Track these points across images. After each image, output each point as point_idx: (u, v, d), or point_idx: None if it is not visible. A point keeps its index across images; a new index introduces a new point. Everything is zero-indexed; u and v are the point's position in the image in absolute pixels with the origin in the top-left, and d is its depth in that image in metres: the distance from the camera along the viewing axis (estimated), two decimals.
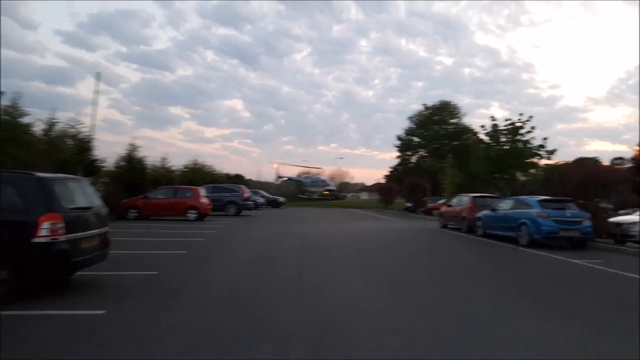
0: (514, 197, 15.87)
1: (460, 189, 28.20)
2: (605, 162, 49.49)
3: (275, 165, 77.40)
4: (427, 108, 64.82)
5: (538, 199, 14.16)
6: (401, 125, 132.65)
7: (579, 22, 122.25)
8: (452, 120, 64.27)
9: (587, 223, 13.35)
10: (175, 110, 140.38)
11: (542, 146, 20.76)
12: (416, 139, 64.45)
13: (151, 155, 28.34)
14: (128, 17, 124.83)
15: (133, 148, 24.06)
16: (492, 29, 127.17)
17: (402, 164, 64.74)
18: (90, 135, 19.50)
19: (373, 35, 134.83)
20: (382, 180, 69.94)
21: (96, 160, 19.66)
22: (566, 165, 26.23)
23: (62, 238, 6.02)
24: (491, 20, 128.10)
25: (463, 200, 19.08)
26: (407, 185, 34.70)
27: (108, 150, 21.05)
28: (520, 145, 20.68)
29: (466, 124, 63.48)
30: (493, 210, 15.72)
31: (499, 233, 15.04)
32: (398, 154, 64.95)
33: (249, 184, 64.69)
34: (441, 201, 33.53)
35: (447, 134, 62.81)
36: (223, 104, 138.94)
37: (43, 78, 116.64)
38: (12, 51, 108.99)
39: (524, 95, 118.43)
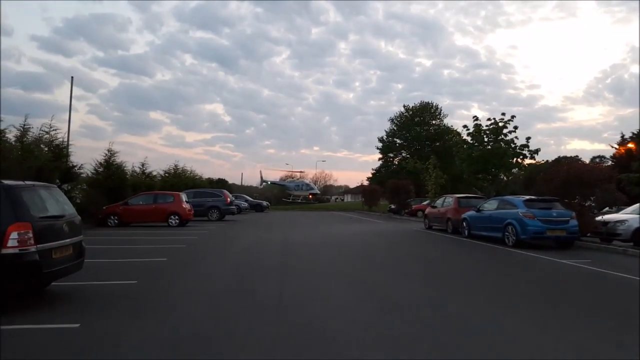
0: (499, 197, 15.88)
1: (444, 190, 28.27)
2: (586, 160, 50.59)
3: (259, 170, 76.91)
4: (408, 110, 65.32)
5: (523, 198, 14.16)
6: (382, 127, 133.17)
7: (555, 23, 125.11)
8: (433, 122, 64.90)
9: (574, 222, 13.37)
10: (155, 115, 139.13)
11: (525, 146, 20.86)
12: (398, 141, 64.88)
13: (132, 161, 27.73)
14: (104, 21, 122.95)
15: (111, 154, 23.43)
16: (470, 30, 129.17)
17: (385, 166, 65.08)
18: (65, 141, 18.86)
19: (352, 37, 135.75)
20: (365, 183, 70.42)
21: (73, 166, 19.02)
22: (549, 164, 26.57)
23: (32, 249, 5.66)
24: (469, 22, 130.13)
25: (447, 201, 19.04)
26: (391, 187, 34.69)
27: (88, 156, 20.60)
28: (503, 145, 20.74)
29: (447, 125, 64.50)
30: (478, 210, 15.67)
31: (485, 234, 15.00)
32: (380, 155, 65.33)
33: (232, 188, 64.08)
34: (425, 202, 33.63)
35: (429, 135, 63.35)
36: (203, 108, 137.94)
37: (20, 84, 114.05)
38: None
39: (503, 95, 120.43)
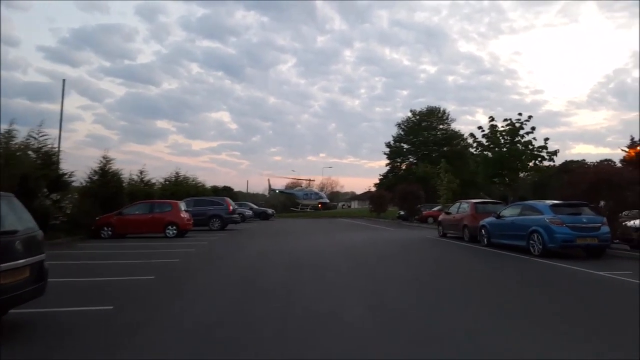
0: (521, 202, 14.58)
1: (456, 196, 26.97)
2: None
3: (267, 179, 75.93)
4: (415, 114, 64.18)
5: (549, 203, 12.89)
6: (388, 133, 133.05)
7: (558, 29, 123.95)
8: (440, 126, 63.68)
9: (605, 229, 12.10)
10: (161, 123, 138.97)
11: (543, 147, 19.54)
12: (405, 146, 63.65)
13: (136, 170, 26.74)
14: (111, 31, 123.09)
15: (107, 161, 22.39)
16: (474, 36, 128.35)
17: (392, 171, 63.83)
18: (55, 148, 17.84)
19: (357, 45, 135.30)
20: (373, 189, 69.07)
21: (64, 174, 17.98)
22: (556, 169, 25.12)
23: None
24: (472, 29, 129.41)
25: (463, 207, 17.77)
26: (400, 193, 33.36)
27: (94, 165, 20.19)
28: (520, 147, 19.45)
29: (455, 130, 63.23)
30: (498, 217, 14.41)
31: (507, 242, 13.73)
32: (387, 161, 64.15)
33: (238, 196, 63.00)
34: (436, 208, 32.33)
35: (437, 139, 62.10)
36: (209, 117, 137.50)
37: (26, 95, 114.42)
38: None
39: (507, 101, 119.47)
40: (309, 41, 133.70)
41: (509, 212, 14.12)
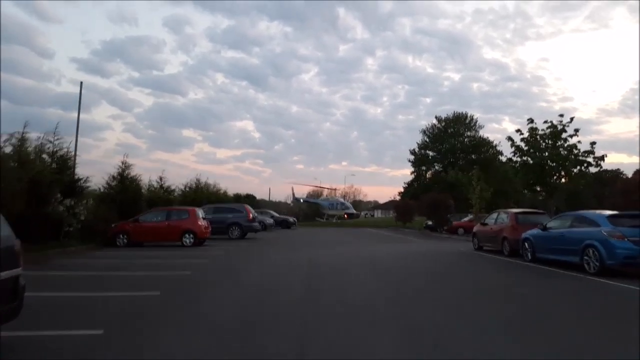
0: (572, 213, 13.03)
1: (489, 205, 25.32)
2: (628, 174, 46.50)
3: (292, 187, 75.13)
4: (440, 120, 62.37)
5: (606, 214, 11.35)
6: (411, 141, 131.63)
7: (586, 34, 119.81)
8: (468, 133, 61.67)
9: None
10: (187, 132, 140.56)
11: (590, 152, 17.79)
12: (431, 153, 61.89)
13: (165, 178, 26.21)
14: (139, 43, 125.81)
15: (125, 166, 21.79)
16: (499, 43, 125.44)
17: (417, 180, 62.04)
18: (71, 152, 17.23)
19: (379, 53, 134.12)
20: (396, 197, 67.32)
21: (79, 179, 17.36)
22: (591, 178, 23.05)
23: None
24: (497, 35, 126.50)
25: (502, 218, 16.25)
26: (429, 202, 31.79)
27: (112, 171, 20.22)
28: (562, 151, 17.79)
29: (483, 137, 61.09)
30: (544, 229, 12.92)
31: (555, 258, 12.23)
32: (412, 169, 62.51)
33: (261, 204, 62.31)
34: (466, 218, 30.68)
35: (464, 146, 60.13)
36: (234, 125, 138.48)
37: (59, 104, 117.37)
38: (29, 79, 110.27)
39: (535, 108, 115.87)
40: (331, 50, 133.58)
41: (557, 224, 12.62)
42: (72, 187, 16.83)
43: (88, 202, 17.83)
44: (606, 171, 44.08)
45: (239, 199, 47.57)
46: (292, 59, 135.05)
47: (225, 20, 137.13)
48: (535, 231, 13.34)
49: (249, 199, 55.97)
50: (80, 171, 21.55)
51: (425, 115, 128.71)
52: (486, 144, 60.59)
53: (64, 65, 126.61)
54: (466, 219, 30.83)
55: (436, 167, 61.99)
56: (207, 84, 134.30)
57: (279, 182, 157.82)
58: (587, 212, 12.07)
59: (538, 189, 19.46)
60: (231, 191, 54.31)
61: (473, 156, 58.05)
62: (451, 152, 60.33)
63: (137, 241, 18.18)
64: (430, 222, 33.98)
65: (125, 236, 18.07)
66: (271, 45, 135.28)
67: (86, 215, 16.99)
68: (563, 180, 18.13)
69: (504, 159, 57.01)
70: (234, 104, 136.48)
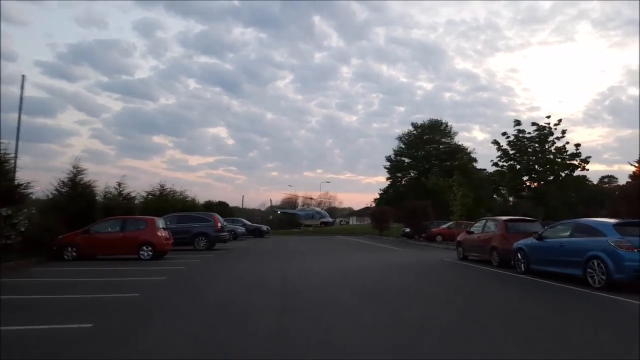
0: (572, 220, 11.92)
1: (470, 212, 24.31)
2: (594, 180, 46.92)
3: (269, 198, 73.43)
4: (416, 127, 61.93)
5: (611, 222, 10.26)
6: (385, 149, 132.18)
7: (553, 47, 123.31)
8: (443, 140, 61.44)
9: None
10: (158, 139, 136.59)
11: (576, 154, 16.89)
12: (407, 160, 61.32)
13: (135, 185, 24.14)
14: (108, 47, 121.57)
15: (77, 171, 19.72)
16: (470, 54, 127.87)
17: (393, 186, 61.30)
18: (9, 155, 15.16)
19: (354, 61, 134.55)
20: (372, 205, 66.30)
21: (19, 185, 15.28)
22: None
23: None
24: (469, 46, 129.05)
25: (489, 226, 15.11)
26: (408, 209, 30.63)
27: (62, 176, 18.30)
28: (549, 155, 16.85)
29: (458, 144, 61.02)
30: (540, 238, 11.77)
31: (553, 270, 11.07)
32: (386, 177, 61.83)
33: (234, 211, 60.12)
34: (445, 225, 29.67)
35: (439, 153, 59.80)
36: (207, 132, 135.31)
37: (23, 109, 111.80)
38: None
39: (504, 117, 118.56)
40: (307, 58, 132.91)
41: (555, 233, 11.49)
42: (11, 194, 14.76)
43: (30, 210, 15.75)
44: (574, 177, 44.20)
45: (211, 206, 45.48)
46: (267, 65, 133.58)
47: (198, 25, 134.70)
48: (529, 240, 12.19)
49: (222, 206, 53.89)
50: (44, 179, 19.35)
51: (399, 124, 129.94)
52: (460, 150, 60.55)
53: (27, 68, 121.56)
54: (444, 225, 29.83)
55: (411, 174, 61.53)
56: (178, 89, 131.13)
57: (253, 190, 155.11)
58: (590, 220, 10.96)
59: (524, 194, 18.45)
60: (203, 199, 52.33)
61: (448, 163, 57.85)
62: (426, 158, 60.06)
63: (88, 254, 16.19)
64: (407, 230, 32.85)
65: (74, 249, 16.07)
66: (245, 51, 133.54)
67: (27, 225, 14.93)
68: (550, 184, 17.22)
69: (478, 165, 58.04)
70: (207, 110, 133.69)
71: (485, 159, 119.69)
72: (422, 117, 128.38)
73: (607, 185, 61.76)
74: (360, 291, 9.48)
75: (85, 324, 6.40)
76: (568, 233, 11.00)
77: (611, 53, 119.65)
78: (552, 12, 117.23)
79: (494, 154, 19.10)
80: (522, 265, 12.21)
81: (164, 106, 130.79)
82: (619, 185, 60.83)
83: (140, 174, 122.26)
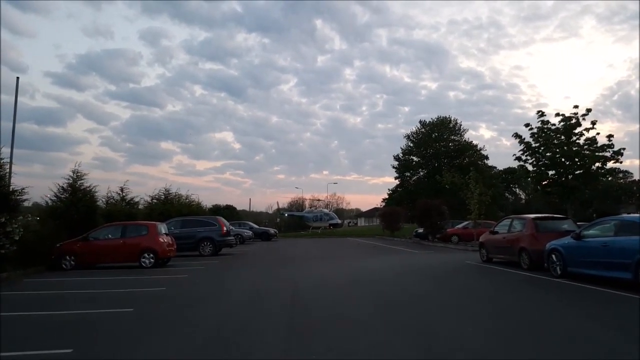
0: (615, 217, 10.75)
1: (488, 210, 23.09)
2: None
3: (277, 201, 72.43)
4: (424, 125, 60.58)
5: None
6: (390, 149, 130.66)
7: (558, 43, 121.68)
8: (452, 137, 60.00)
9: None
10: (166, 145, 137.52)
11: (608, 146, 15.62)
12: (415, 159, 60.00)
13: (143, 192, 23.37)
14: (115, 56, 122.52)
15: (77, 176, 18.82)
16: (474, 52, 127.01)
17: (402, 186, 60.06)
18: (2, 160, 14.26)
19: (357, 63, 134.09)
20: (380, 205, 64.96)
21: (13, 191, 14.39)
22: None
23: None
24: (472, 44, 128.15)
25: (516, 225, 13.94)
26: (421, 208, 29.42)
27: (100, 188, 17.97)
28: (576, 147, 15.61)
29: (468, 141, 59.55)
30: (578, 237, 10.62)
31: (596, 273, 9.91)
32: (393, 177, 60.63)
33: (241, 215, 59.26)
34: (461, 225, 28.45)
35: (449, 151, 58.44)
36: (213, 137, 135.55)
37: (34, 119, 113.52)
38: (2, 94, 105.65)
39: (510, 115, 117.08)
40: (310, 61, 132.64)
41: (597, 232, 10.33)
42: (5, 201, 13.87)
43: (25, 218, 14.85)
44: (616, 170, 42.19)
45: (218, 210, 44.64)
46: (271, 70, 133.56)
47: (203, 33, 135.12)
48: (565, 240, 11.04)
49: (229, 210, 53.13)
50: (53, 187, 18.54)
51: (404, 124, 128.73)
52: (470, 147, 59.14)
53: (37, 79, 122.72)
54: (460, 225, 28.61)
55: (421, 173, 60.27)
56: (185, 96, 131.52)
57: (260, 193, 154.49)
58: (637, 217, 9.77)
59: (549, 190, 17.21)
60: (211, 202, 51.63)
61: (457, 161, 56.57)
62: (435, 157, 58.76)
63: (87, 263, 15.32)
64: (420, 230, 31.63)
65: (72, 257, 15.20)
66: (249, 56, 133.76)
67: (23, 234, 14.00)
68: (579, 178, 15.95)
69: (489, 163, 56.65)
70: (213, 115, 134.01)
71: (493, 157, 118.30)
72: (427, 117, 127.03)
73: (622, 181, 60.12)
74: (382, 305, 8.38)
75: (65, 350, 5.43)
76: (612, 231, 9.84)
77: (618, 47, 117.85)
78: (555, 9, 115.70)
79: (502, 151, 18.64)
80: (558, 268, 11.05)
81: (171, 113, 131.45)
82: (634, 181, 59.26)
83: (148, 180, 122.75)
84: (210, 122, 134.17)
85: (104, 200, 21.85)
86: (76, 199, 18.49)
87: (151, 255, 15.19)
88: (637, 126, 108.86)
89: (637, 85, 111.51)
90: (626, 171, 57.89)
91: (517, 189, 71.50)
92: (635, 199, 56.03)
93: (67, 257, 15.21)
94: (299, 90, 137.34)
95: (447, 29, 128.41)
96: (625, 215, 10.55)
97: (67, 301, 9.14)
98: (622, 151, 15.64)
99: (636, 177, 58.28)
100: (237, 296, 9.50)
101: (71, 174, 18.79)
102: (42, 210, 18.53)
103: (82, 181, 19.02)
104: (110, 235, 15.74)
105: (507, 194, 67.01)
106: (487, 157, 59.36)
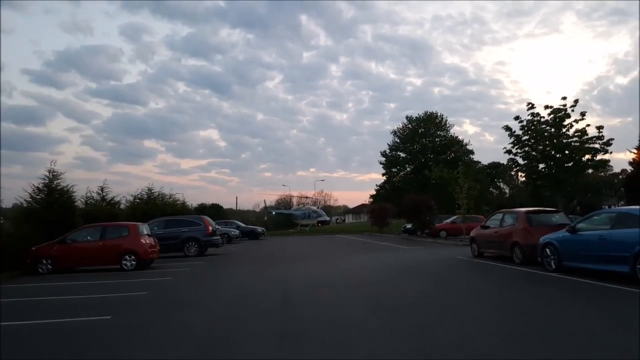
0: (611, 210, 10.54)
1: (477, 204, 22.92)
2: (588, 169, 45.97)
3: (264, 199, 71.70)
4: (411, 121, 60.61)
5: None
6: (377, 146, 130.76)
7: (539, 39, 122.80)
8: (439, 132, 60.13)
9: None
10: (149, 143, 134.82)
11: (598, 137, 15.48)
12: (402, 154, 60.01)
13: (127, 191, 22.58)
14: (95, 52, 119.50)
15: (53, 176, 18.06)
16: (458, 48, 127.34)
17: (389, 182, 60.07)
18: None
19: (343, 60, 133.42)
20: (367, 202, 64.84)
21: None
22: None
23: None
24: (456, 40, 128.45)
25: (508, 219, 13.70)
26: (409, 204, 29.18)
27: (82, 187, 17.18)
28: (566, 140, 15.45)
29: (454, 136, 59.76)
30: (573, 231, 10.38)
31: (593, 267, 9.68)
32: (380, 173, 60.63)
33: (227, 213, 58.44)
34: (448, 220, 28.33)
35: (435, 146, 58.58)
36: (198, 135, 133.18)
37: (12, 118, 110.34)
38: None
39: (493, 110, 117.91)
40: (295, 57, 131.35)
41: (592, 224, 10.09)
42: None
43: None
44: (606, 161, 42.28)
45: (204, 209, 43.89)
46: (256, 66, 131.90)
47: (185, 28, 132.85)
48: (560, 234, 10.78)
49: (215, 209, 52.29)
50: (27, 188, 17.60)
51: (389, 120, 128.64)
52: (456, 143, 59.38)
53: (15, 77, 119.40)
54: (448, 220, 28.48)
55: (407, 168, 60.35)
56: (168, 93, 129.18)
57: (246, 191, 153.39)
58: (636, 209, 9.54)
59: (539, 183, 17.03)
60: (197, 202, 50.77)
61: (444, 156, 56.75)
62: (422, 152, 58.86)
63: (65, 267, 14.67)
64: (408, 226, 31.42)
65: (49, 261, 14.52)
66: (234, 52, 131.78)
67: None
68: (569, 171, 15.80)
69: (475, 158, 56.84)
70: (197, 112, 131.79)
71: (478, 152, 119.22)
72: (412, 113, 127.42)
73: (602, 174, 60.89)
74: (376, 306, 7.98)
75: None
76: (608, 224, 9.60)
77: (597, 43, 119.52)
78: (537, 5, 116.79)
79: (485, 147, 18.45)
80: (553, 263, 10.80)
81: (154, 110, 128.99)
82: (615, 174, 60.07)
83: (132, 179, 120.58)
84: (194, 119, 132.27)
85: (82, 200, 21.11)
86: (52, 199, 17.78)
87: (133, 257, 14.58)
88: (617, 120, 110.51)
89: (616, 80, 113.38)
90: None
91: (501, 184, 72.06)
92: (616, 191, 56.71)
93: (44, 261, 14.54)
94: (284, 87, 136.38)
95: (431, 25, 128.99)
96: (622, 207, 10.32)
97: (39, 309, 8.57)
98: (611, 142, 15.51)
99: (616, 170, 59.00)
100: (224, 300, 9.02)
101: (47, 173, 18.03)
102: (16, 212, 17.74)
103: (59, 181, 18.31)
104: (89, 237, 15.09)
105: (491, 189, 67.58)
106: (472, 152, 59.66)
